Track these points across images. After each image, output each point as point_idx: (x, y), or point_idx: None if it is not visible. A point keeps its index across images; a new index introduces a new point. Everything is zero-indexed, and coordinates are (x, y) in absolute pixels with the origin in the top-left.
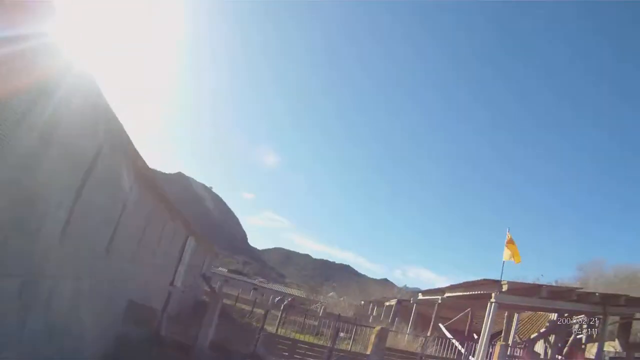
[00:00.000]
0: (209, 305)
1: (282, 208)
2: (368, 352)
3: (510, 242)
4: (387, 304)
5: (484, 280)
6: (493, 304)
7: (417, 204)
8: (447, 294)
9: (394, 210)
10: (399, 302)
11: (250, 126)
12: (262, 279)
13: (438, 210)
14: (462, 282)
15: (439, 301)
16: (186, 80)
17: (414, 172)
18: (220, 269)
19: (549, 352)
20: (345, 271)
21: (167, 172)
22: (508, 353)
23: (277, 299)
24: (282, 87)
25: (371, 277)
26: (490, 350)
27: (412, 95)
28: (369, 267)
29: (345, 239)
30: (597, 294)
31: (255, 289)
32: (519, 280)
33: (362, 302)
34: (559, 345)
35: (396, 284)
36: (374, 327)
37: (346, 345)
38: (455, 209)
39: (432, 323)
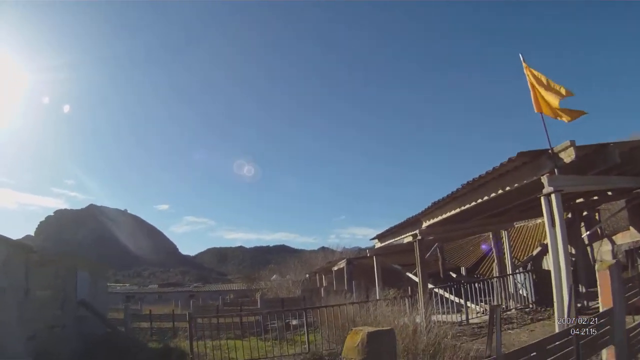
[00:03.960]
0: None
1: (200, 209)
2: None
3: (537, 79)
4: (335, 268)
5: (521, 155)
6: (553, 194)
7: (321, 164)
8: (427, 223)
9: (304, 177)
10: (349, 262)
11: (138, 139)
12: (196, 284)
13: (346, 164)
14: (462, 185)
15: (418, 237)
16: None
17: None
18: (151, 286)
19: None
20: (282, 251)
21: (77, 208)
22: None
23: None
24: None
25: (308, 249)
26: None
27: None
28: (303, 241)
29: (272, 220)
30: None
31: (192, 295)
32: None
33: (307, 275)
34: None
35: (335, 248)
36: (334, 306)
37: (301, 339)
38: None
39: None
